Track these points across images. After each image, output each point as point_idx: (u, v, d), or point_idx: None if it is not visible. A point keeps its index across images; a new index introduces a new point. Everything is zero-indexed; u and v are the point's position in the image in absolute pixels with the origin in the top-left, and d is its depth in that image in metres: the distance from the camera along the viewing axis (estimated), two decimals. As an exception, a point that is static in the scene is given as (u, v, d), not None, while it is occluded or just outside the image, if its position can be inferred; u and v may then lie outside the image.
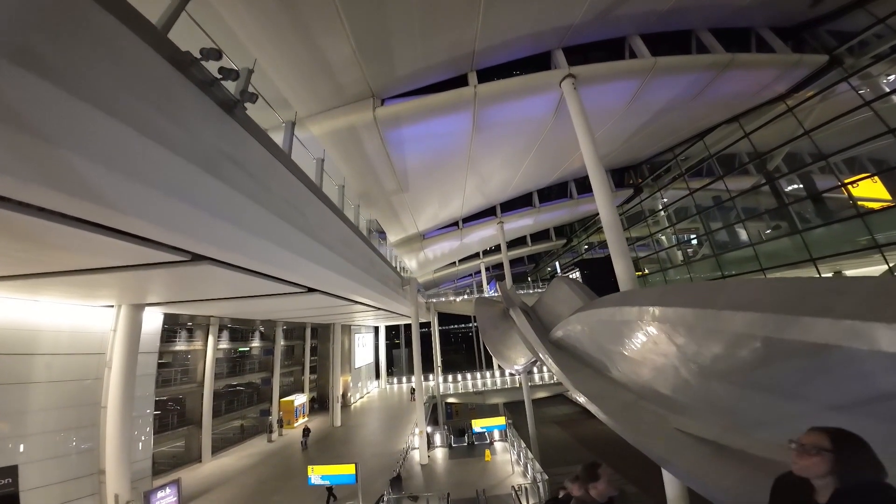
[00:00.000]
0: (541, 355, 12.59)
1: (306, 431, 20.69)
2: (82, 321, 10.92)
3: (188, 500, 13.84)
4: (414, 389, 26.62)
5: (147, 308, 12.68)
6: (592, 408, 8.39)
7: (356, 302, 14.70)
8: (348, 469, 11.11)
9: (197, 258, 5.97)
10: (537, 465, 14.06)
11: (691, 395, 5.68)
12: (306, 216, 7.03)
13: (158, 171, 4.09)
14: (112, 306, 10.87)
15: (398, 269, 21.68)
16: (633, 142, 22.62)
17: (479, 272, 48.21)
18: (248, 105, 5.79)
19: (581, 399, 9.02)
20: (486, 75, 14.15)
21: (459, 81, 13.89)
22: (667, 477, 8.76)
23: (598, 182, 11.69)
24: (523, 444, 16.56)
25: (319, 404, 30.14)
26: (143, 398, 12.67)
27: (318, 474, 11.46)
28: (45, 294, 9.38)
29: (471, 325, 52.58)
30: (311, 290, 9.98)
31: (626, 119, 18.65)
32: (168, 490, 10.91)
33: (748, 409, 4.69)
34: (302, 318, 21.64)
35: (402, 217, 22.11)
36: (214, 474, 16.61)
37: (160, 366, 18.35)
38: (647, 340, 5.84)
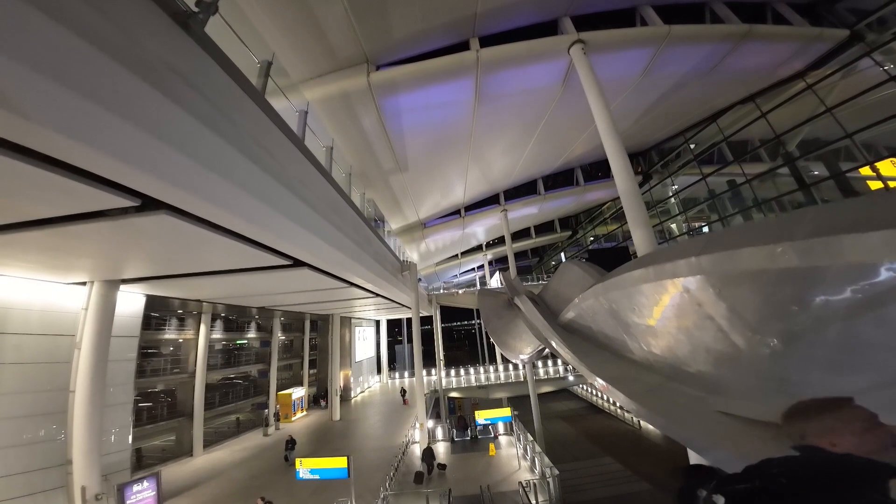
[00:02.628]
0: (551, 341, 11.69)
1: (290, 444, 16.62)
2: (54, 300, 10.09)
3: (174, 494, 13.03)
4: (405, 391, 25.38)
5: (127, 290, 11.85)
6: (613, 392, 7.40)
7: (351, 284, 13.75)
8: (340, 462, 10.20)
9: (150, 204, 5.06)
10: (546, 460, 13.11)
11: (743, 369, 4.67)
12: (283, 166, 6.09)
13: (75, 66, 3.18)
14: (85, 283, 10.02)
15: (398, 255, 20.75)
16: (643, 122, 21.54)
17: (482, 266, 47.33)
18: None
19: (599, 384, 8.03)
20: (488, 43, 13.16)
21: (460, 49, 12.92)
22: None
23: (612, 148, 10.73)
24: (530, 438, 15.60)
25: (323, 399, 28.73)
26: (121, 385, 11.83)
27: (306, 468, 10.57)
28: (9, 266, 8.52)
29: (474, 321, 51.70)
30: (297, 262, 9.05)
31: (638, 95, 17.61)
32: (146, 484, 10.07)
33: (830, 380, 3.71)
34: (297, 305, 20.67)
35: (402, 202, 21.16)
36: (205, 468, 15.79)
37: (149, 355, 17.60)
38: (685, 304, 4.84)
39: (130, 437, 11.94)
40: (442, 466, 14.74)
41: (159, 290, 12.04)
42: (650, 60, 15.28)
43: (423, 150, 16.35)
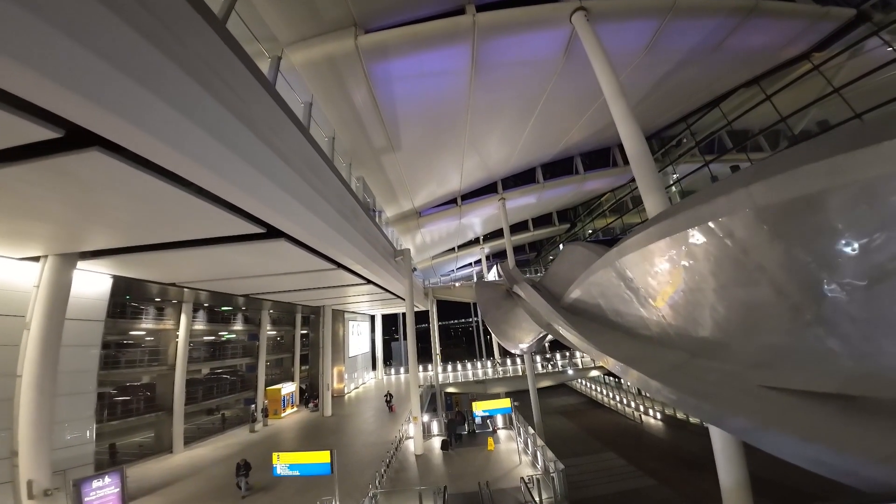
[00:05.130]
0: (555, 325, 10.93)
1: (243, 467, 12.07)
2: (5, 277, 9.11)
3: (147, 492, 12.09)
4: (391, 395, 23.91)
5: (90, 269, 10.86)
6: (628, 373, 6.54)
7: (339, 265, 12.78)
8: (322, 457, 9.27)
9: (77, 137, 4.14)
10: (549, 454, 12.24)
11: (800, 331, 3.81)
12: (247, 105, 5.15)
13: None
14: (38, 259, 9.03)
15: (392, 243, 19.81)
16: (644, 106, 20.76)
17: (479, 261, 46.56)
18: None
19: (611, 364, 7.17)
20: (485, 10, 12.29)
21: (456, 16, 12.03)
22: (720, 462, 6.91)
23: (619, 112, 9.96)
24: (531, 430, 14.75)
25: (310, 395, 26.69)
26: (82, 372, 10.81)
27: (284, 463, 9.64)
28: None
29: (471, 319, 50.99)
30: (272, 231, 8.09)
31: (641, 73, 16.85)
32: (107, 479, 9.10)
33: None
34: (284, 292, 19.41)
35: (395, 186, 20.25)
36: (184, 466, 14.83)
37: (125, 345, 16.57)
38: (725, 253, 3.99)
39: (93, 430, 10.94)
40: (458, 437, 16.15)
41: (125, 269, 11.02)
42: (655, 33, 14.58)
43: (418, 126, 15.44)
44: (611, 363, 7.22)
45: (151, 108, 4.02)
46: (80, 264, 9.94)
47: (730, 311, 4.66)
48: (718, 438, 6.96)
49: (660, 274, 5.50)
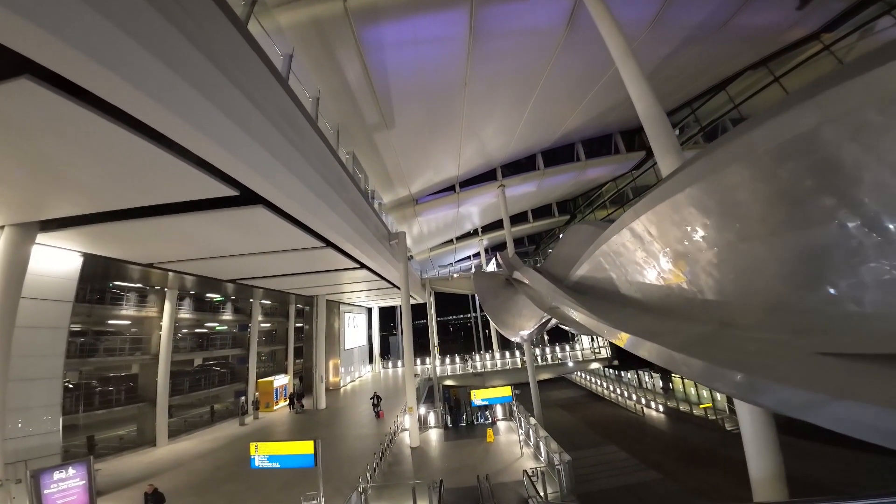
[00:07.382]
0: (561, 307, 10.24)
1: (151, 497, 9.37)
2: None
3: (123, 485, 11.41)
4: (379, 398, 21.82)
5: (56, 245, 10.03)
6: (646, 348, 5.80)
7: (328, 243, 11.98)
8: (305, 447, 8.52)
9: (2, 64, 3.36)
10: (553, 445, 11.52)
11: (880, 279, 3.08)
12: (207, 33, 4.31)
13: None
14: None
15: (388, 226, 19.00)
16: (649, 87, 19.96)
17: (478, 254, 45.83)
18: None
19: (625, 341, 6.43)
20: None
21: (453, -21, 11.20)
22: (751, 452, 6.16)
23: (630, 72, 9.24)
24: (532, 420, 14.06)
25: (299, 399, 23.23)
26: (47, 356, 9.99)
27: (264, 454, 8.89)
28: None
29: (470, 315, 50.30)
30: (246, 194, 7.28)
31: (647, 49, 16.05)
32: (72, 471, 8.34)
33: None
34: (273, 277, 18.44)
35: (390, 170, 19.41)
36: (166, 459, 14.10)
37: (103, 332, 15.75)
38: (780, 191, 3.27)
39: (59, 419, 10.16)
40: (458, 413, 16.81)
41: (95, 244, 10.15)
42: (662, 5, 13.80)
43: (413, 100, 14.60)
44: (625, 339, 6.49)
45: (77, 16, 3.21)
46: (46, 239, 9.16)
47: (776, 265, 3.90)
48: (749, 424, 6.23)
49: (688, 229, 4.72)
